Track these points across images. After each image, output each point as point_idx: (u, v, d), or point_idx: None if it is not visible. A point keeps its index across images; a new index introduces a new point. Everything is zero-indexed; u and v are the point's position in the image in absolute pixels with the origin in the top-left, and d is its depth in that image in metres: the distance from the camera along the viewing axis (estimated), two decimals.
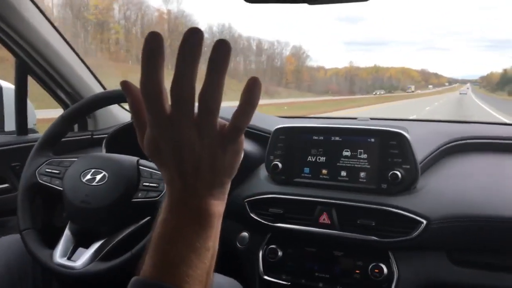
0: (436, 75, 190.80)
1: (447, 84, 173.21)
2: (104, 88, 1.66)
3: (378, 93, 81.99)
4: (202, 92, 0.43)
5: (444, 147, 1.26)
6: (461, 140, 1.30)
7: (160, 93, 0.44)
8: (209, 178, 0.48)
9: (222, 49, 0.42)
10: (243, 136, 0.48)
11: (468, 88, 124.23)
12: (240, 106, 0.45)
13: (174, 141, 0.46)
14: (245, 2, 0.79)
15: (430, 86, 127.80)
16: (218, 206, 0.50)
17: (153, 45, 0.42)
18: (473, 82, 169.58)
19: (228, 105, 1.00)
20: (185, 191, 0.48)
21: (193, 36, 0.42)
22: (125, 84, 0.48)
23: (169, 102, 0.45)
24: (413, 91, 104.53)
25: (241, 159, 0.50)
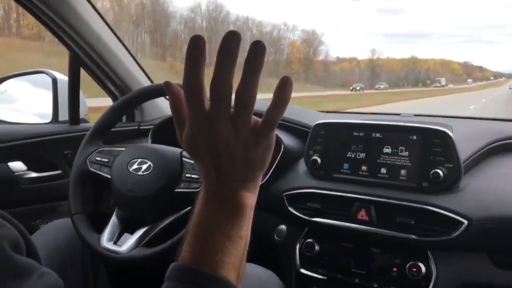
0: (480, 68, 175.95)
1: (492, 78, 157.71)
2: (151, 81, 1.72)
3: (382, 87, 66.85)
4: (239, 90, 0.48)
5: (489, 146, 1.22)
6: (507, 139, 1.25)
7: (201, 91, 0.48)
8: (242, 171, 0.52)
9: (257, 50, 0.46)
10: (274, 132, 0.52)
11: None
12: (273, 102, 0.49)
13: (211, 136, 0.50)
14: None
15: (470, 80, 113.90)
16: (251, 198, 0.53)
17: (196, 47, 0.46)
18: None
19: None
20: (220, 184, 0.52)
21: (232, 38, 0.45)
22: (167, 84, 0.53)
23: (208, 100, 0.49)
24: (443, 85, 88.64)
25: (271, 153, 0.53)
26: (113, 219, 1.16)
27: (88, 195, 1.25)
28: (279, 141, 1.32)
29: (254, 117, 0.51)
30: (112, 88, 1.65)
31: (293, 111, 1.52)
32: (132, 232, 1.13)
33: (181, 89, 0.50)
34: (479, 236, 1.01)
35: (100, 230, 1.15)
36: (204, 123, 0.49)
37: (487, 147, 1.21)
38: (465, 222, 1.01)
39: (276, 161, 1.30)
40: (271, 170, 1.30)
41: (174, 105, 0.53)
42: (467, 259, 1.06)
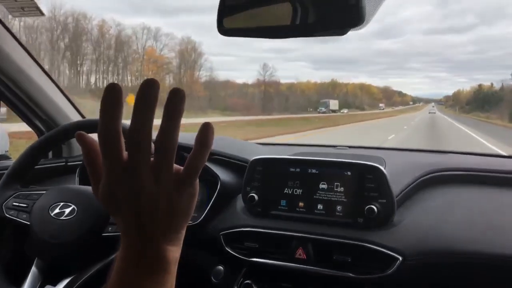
0: (400, 93, 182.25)
1: (411, 103, 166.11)
2: (82, 115, 1.63)
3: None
4: (159, 136, 0.46)
5: (422, 178, 1.26)
6: (439, 171, 1.29)
7: (117, 140, 0.45)
8: (166, 224, 0.49)
9: (177, 97, 0.45)
10: (197, 180, 0.50)
11: (433, 107, 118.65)
12: (195, 149, 0.47)
13: (131, 188, 0.46)
14: (219, 34, 0.78)
15: (381, 105, 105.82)
16: (175, 252, 0.50)
17: (112, 95, 0.45)
18: (437, 102, 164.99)
19: None
20: (142, 239, 0.48)
21: (150, 87, 0.44)
22: (79, 135, 0.49)
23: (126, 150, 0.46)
24: (333, 110, 66.00)
25: (195, 202, 0.51)
26: (33, 270, 1.06)
27: (4, 244, 1.14)
28: (215, 177, 1.28)
29: (175, 166, 0.49)
30: (37, 122, 1.54)
31: (230, 145, 1.49)
32: (55, 284, 1.04)
33: (96, 139, 0.47)
34: (413, 271, 1.02)
35: (18, 283, 1.04)
36: (123, 174, 0.46)
37: (419, 180, 1.24)
38: (400, 258, 1.02)
39: (213, 198, 1.26)
40: (208, 208, 1.25)
41: (88, 157, 0.49)
42: None
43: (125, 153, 0.46)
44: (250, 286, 1.15)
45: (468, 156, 1.59)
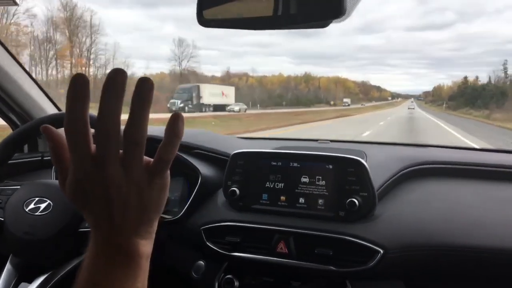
0: (378, 88, 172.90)
1: (389, 98, 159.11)
2: (58, 108, 1.59)
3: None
4: (127, 126, 0.45)
5: (403, 172, 1.26)
6: (420, 165, 1.30)
7: (85, 132, 0.44)
8: (136, 217, 0.48)
9: (145, 86, 0.44)
10: (168, 171, 0.49)
11: (412, 102, 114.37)
12: (165, 139, 0.46)
13: (100, 181, 0.46)
14: (198, 24, 0.77)
15: (346, 101, 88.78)
16: (146, 246, 0.49)
17: (78, 86, 0.43)
18: (416, 97, 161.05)
19: None
20: (112, 233, 0.47)
21: (117, 75, 0.44)
22: (45, 128, 0.48)
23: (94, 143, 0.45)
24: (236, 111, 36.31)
25: (167, 194, 0.50)
26: (8, 267, 1.03)
27: None
28: (196, 172, 1.27)
29: (145, 158, 0.48)
30: (12, 115, 1.49)
31: (211, 139, 1.48)
32: (30, 281, 1.01)
33: (62, 133, 0.46)
34: (394, 264, 1.03)
35: None
36: (91, 167, 0.45)
37: (400, 173, 1.25)
38: (381, 251, 1.02)
39: (194, 193, 1.25)
40: (188, 203, 1.24)
41: (54, 151, 0.48)
42: None
43: (93, 146, 0.45)
44: (231, 281, 1.14)
45: (448, 149, 1.61)
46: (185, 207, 1.23)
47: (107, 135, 0.44)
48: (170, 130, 0.46)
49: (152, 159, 0.48)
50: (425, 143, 1.70)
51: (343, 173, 1.10)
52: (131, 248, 0.48)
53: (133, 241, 0.48)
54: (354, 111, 51.79)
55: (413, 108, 68.01)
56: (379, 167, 1.21)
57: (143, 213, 0.48)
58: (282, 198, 1.16)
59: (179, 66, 60.17)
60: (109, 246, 0.47)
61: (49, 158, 1.53)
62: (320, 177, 1.13)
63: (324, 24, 0.74)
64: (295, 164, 1.16)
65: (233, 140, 1.61)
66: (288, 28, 0.77)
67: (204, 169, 1.29)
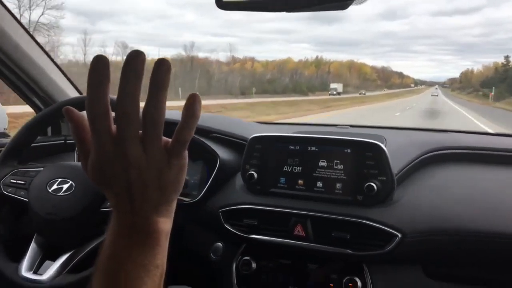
0: (400, 74, 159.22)
1: (412, 85, 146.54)
2: (79, 92, 1.61)
3: None
4: (146, 107, 0.46)
5: (422, 157, 1.25)
6: (440, 150, 1.28)
7: (106, 113, 0.45)
8: (155, 197, 0.49)
9: (162, 68, 0.45)
10: (186, 152, 0.50)
11: (436, 89, 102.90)
12: (182, 120, 0.47)
13: (120, 161, 0.47)
14: (217, 7, 0.77)
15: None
16: (165, 224, 0.51)
17: (99, 67, 0.44)
18: (441, 84, 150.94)
19: None
20: (132, 212, 0.49)
21: (136, 57, 0.45)
22: (67, 110, 0.49)
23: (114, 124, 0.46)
24: None
25: (185, 175, 0.51)
26: (33, 246, 1.06)
27: (4, 221, 1.14)
28: (215, 155, 1.28)
29: (164, 138, 0.49)
30: (35, 99, 1.52)
31: (229, 123, 1.48)
32: (54, 259, 1.04)
33: (84, 115, 0.47)
34: (412, 248, 1.02)
35: (18, 258, 1.05)
36: (112, 147, 0.46)
37: (419, 158, 1.23)
38: (399, 235, 1.02)
39: (212, 176, 1.26)
40: (207, 186, 1.25)
41: (76, 133, 0.49)
42: (402, 272, 1.07)
43: (113, 127, 0.46)
44: (249, 263, 1.16)
45: (469, 134, 1.57)
46: (204, 190, 1.24)
47: (127, 116, 0.45)
48: (188, 111, 0.47)
49: (170, 140, 0.49)
50: (445, 128, 1.66)
51: (361, 157, 1.09)
52: (151, 227, 0.49)
53: (152, 220, 0.49)
54: (352, 101, 39.41)
55: (437, 95, 61.24)
56: (398, 152, 1.19)
57: (162, 193, 0.49)
58: (300, 182, 1.16)
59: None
60: (129, 225, 0.49)
61: (72, 141, 1.57)
62: (338, 161, 1.13)
63: (343, 6, 0.73)
64: (313, 148, 1.16)
65: (251, 125, 1.61)
66: (306, 10, 0.76)
67: (223, 153, 1.30)
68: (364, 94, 70.85)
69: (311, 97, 52.94)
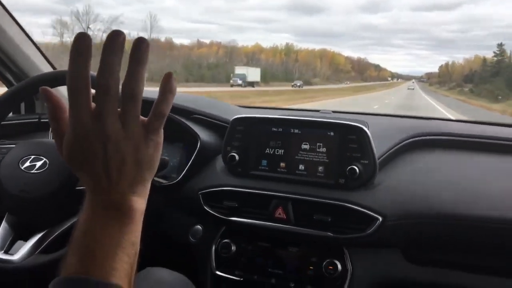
0: (377, 67, 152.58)
1: (389, 78, 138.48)
2: (53, 67, 1.55)
3: None
4: (125, 82, 0.48)
5: (405, 142, 1.25)
6: (422, 136, 1.29)
7: (86, 87, 0.47)
8: (132, 174, 0.50)
9: (141, 45, 0.47)
10: (162, 130, 0.52)
11: (413, 82, 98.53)
12: (160, 95, 0.49)
13: (99, 136, 0.48)
14: None
15: (296, 83, 57.25)
16: (140, 203, 0.52)
17: (80, 43, 0.46)
18: (418, 78, 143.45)
19: None
20: (109, 189, 0.49)
21: (117, 36, 0.46)
22: (44, 90, 0.50)
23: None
24: None
25: (160, 153, 0.52)
26: (3, 225, 1.02)
27: None
28: (195, 136, 1.25)
29: (141, 117, 0.50)
30: (8, 75, 1.46)
31: (211, 105, 1.45)
32: (26, 239, 1.00)
33: (61, 97, 0.50)
34: (392, 232, 1.02)
35: None
36: (90, 122, 0.47)
37: (402, 143, 1.23)
38: (380, 218, 1.01)
39: (192, 158, 1.23)
40: (187, 167, 1.22)
41: (52, 113, 0.51)
42: (382, 256, 1.07)
43: (93, 104, 0.48)
44: (228, 246, 1.14)
45: (451, 122, 1.59)
46: (183, 172, 1.22)
47: (106, 90, 0.46)
48: (164, 87, 0.49)
49: (147, 118, 0.51)
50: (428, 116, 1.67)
51: (344, 140, 1.08)
52: (126, 204, 0.50)
53: (128, 198, 0.50)
54: (310, 94, 32.77)
55: (413, 89, 57.57)
56: (381, 137, 1.19)
57: (138, 170, 0.50)
58: (282, 164, 1.15)
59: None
60: (105, 203, 0.49)
61: (46, 120, 1.51)
62: (321, 144, 1.11)
63: None
64: (296, 131, 1.14)
65: (232, 107, 1.59)
66: None
67: (204, 135, 1.27)
68: (300, 86, 51.83)
69: (251, 88, 41.20)
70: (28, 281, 1.17)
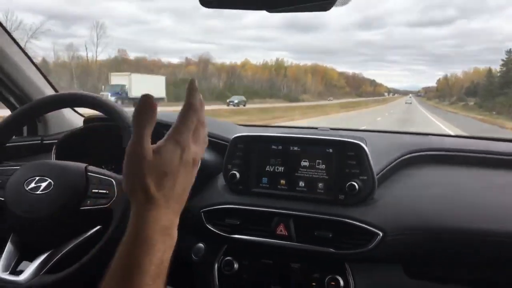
0: (372, 82, 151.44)
1: (386, 94, 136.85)
2: (56, 90, 1.58)
3: None
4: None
5: (403, 158, 1.27)
6: (419, 151, 1.31)
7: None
8: (180, 195, 0.64)
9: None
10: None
11: (410, 97, 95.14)
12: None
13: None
14: (200, 5, 0.77)
15: (233, 99, 36.98)
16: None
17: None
18: (415, 93, 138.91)
19: None
20: (166, 209, 0.61)
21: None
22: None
23: None
24: None
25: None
26: (9, 246, 1.03)
27: None
28: None
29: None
30: (11, 98, 1.49)
31: (211, 124, 1.47)
32: (31, 260, 1.01)
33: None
34: (393, 247, 1.04)
35: None
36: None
37: (399, 159, 1.25)
38: (380, 233, 1.03)
39: None
40: None
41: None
42: (383, 271, 1.08)
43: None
44: (231, 263, 1.15)
45: (448, 138, 1.61)
46: None
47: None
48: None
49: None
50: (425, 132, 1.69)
51: (343, 156, 1.11)
52: (175, 223, 0.64)
53: (176, 217, 0.65)
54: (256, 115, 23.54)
55: (410, 103, 55.46)
56: (379, 153, 1.21)
57: (183, 192, 0.65)
58: (282, 181, 1.17)
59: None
60: (156, 216, 0.59)
61: (49, 141, 1.53)
62: (320, 161, 1.13)
63: (325, 7, 0.74)
64: (296, 148, 1.17)
65: (232, 126, 1.61)
66: (287, 11, 0.77)
67: (204, 153, 1.29)
68: (239, 104, 35.80)
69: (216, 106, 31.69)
70: None
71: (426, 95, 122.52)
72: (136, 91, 29.41)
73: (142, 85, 30.05)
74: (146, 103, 0.58)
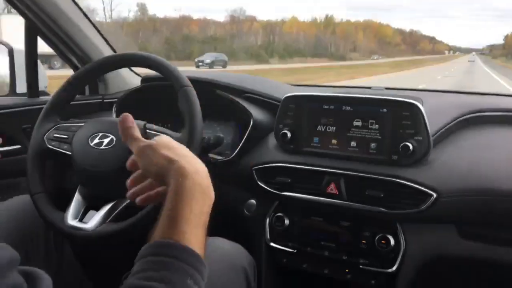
0: (432, 39, 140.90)
1: (446, 52, 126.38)
2: (114, 51, 1.64)
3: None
4: None
5: (460, 119, 1.22)
6: (477, 112, 1.25)
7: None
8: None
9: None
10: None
11: (474, 55, 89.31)
12: None
13: None
14: None
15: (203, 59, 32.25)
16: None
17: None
18: (479, 51, 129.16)
19: None
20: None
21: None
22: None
23: None
24: None
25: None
26: (77, 196, 1.11)
27: (49, 173, 1.20)
28: (248, 115, 1.29)
29: None
30: (73, 59, 1.56)
31: (263, 84, 1.48)
32: (97, 209, 1.09)
33: None
34: (447, 208, 1.02)
35: (63, 208, 1.10)
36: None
37: (456, 120, 1.21)
38: (434, 194, 1.01)
39: (246, 135, 1.27)
40: (240, 145, 1.27)
41: None
42: (435, 231, 1.07)
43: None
44: (282, 219, 1.19)
45: (508, 97, 1.53)
46: (237, 149, 1.27)
47: None
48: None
49: None
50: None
51: (398, 116, 1.08)
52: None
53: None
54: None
55: (474, 61, 49.96)
56: (435, 113, 1.17)
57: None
58: (334, 141, 1.16)
59: None
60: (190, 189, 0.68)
61: (109, 100, 1.60)
62: (374, 121, 1.12)
63: None
64: (348, 108, 1.15)
65: (284, 86, 1.61)
66: None
67: (256, 113, 1.31)
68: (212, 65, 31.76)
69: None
70: (99, 247, 1.28)
71: (491, 53, 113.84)
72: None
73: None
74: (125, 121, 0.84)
